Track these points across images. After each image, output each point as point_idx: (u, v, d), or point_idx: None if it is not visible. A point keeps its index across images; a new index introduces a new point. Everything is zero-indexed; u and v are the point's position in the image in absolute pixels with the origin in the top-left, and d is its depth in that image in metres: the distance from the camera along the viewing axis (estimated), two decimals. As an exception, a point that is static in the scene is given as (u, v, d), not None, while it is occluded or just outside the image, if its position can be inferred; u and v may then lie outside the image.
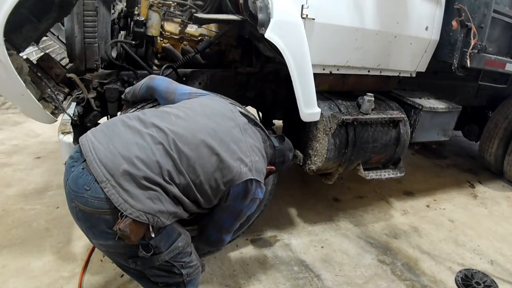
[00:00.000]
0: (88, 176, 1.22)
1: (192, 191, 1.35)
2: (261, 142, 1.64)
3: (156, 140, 1.28)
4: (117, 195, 1.17)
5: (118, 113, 2.04)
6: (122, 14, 2.22)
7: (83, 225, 1.28)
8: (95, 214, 1.22)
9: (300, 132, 2.54)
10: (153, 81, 1.75)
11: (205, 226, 1.63)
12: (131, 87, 1.88)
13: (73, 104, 1.97)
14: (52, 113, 1.84)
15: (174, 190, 1.29)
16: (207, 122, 1.44)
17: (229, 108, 1.59)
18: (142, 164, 1.22)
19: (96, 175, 1.19)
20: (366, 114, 2.46)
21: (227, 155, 1.39)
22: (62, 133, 1.69)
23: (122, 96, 1.93)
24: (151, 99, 1.81)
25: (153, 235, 1.28)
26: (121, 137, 1.28)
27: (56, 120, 1.86)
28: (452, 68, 2.58)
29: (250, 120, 1.75)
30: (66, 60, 2.30)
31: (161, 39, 2.20)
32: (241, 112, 1.67)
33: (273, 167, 1.75)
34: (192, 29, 2.25)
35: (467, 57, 2.46)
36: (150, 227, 1.26)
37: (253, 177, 1.44)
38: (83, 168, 1.25)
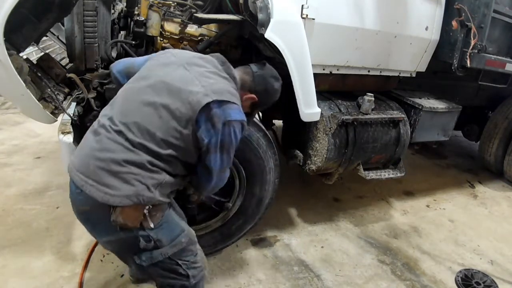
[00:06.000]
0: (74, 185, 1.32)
1: (160, 151, 1.30)
2: (218, 65, 1.48)
3: (107, 129, 1.31)
4: (97, 192, 1.23)
5: None
6: (122, 14, 2.22)
7: (88, 227, 1.36)
8: (94, 212, 1.28)
9: (300, 132, 2.54)
10: (113, 65, 1.68)
11: (199, 173, 1.49)
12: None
13: (73, 104, 1.97)
14: (52, 113, 1.84)
15: (145, 157, 1.27)
16: (143, 84, 1.38)
17: (168, 55, 1.48)
18: (104, 152, 1.26)
19: (76, 183, 1.28)
20: (366, 114, 2.46)
21: (171, 100, 1.31)
22: (62, 133, 1.69)
23: None
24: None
25: (151, 225, 1.30)
26: (88, 144, 1.34)
27: (56, 120, 1.86)
28: (452, 68, 2.58)
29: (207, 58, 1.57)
30: (66, 60, 2.30)
31: (161, 39, 2.20)
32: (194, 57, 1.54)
33: (253, 95, 1.56)
34: (192, 29, 2.25)
35: (467, 57, 2.46)
36: (147, 216, 1.29)
37: (211, 99, 1.30)
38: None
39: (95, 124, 1.39)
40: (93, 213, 1.29)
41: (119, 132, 1.28)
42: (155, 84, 1.35)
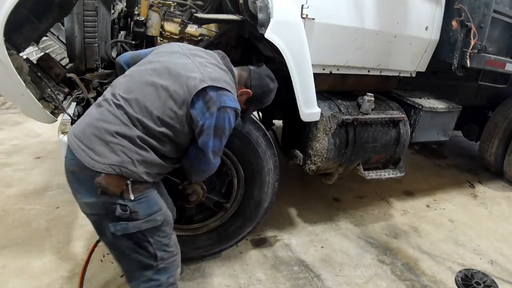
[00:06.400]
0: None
1: (155, 128, 1.37)
2: (219, 59, 1.60)
3: (109, 102, 1.40)
4: (85, 156, 1.32)
5: None
6: (122, 14, 2.22)
7: (74, 185, 1.42)
8: (82, 173, 1.35)
9: (300, 132, 2.54)
10: (119, 58, 1.76)
11: (191, 156, 1.55)
12: None
13: (73, 104, 1.97)
14: (52, 113, 1.84)
15: (136, 132, 1.35)
16: (148, 67, 1.47)
17: (176, 46, 1.60)
18: (102, 122, 1.35)
19: (71, 147, 1.37)
20: (366, 114, 2.46)
21: (170, 82, 1.40)
22: (62, 133, 1.69)
23: None
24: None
25: (131, 197, 1.36)
26: (89, 114, 1.43)
27: (56, 120, 1.87)
28: (452, 68, 2.58)
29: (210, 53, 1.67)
30: (66, 60, 2.30)
31: (161, 39, 2.20)
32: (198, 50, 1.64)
33: (249, 90, 1.64)
34: (192, 29, 2.25)
35: (467, 57, 2.47)
36: (129, 187, 1.36)
37: (207, 84, 1.39)
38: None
39: (100, 98, 1.48)
40: (80, 173, 1.36)
41: (120, 106, 1.37)
42: (158, 68, 1.45)
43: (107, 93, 1.46)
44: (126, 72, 1.54)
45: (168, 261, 1.52)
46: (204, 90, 1.38)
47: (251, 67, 1.71)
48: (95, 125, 1.35)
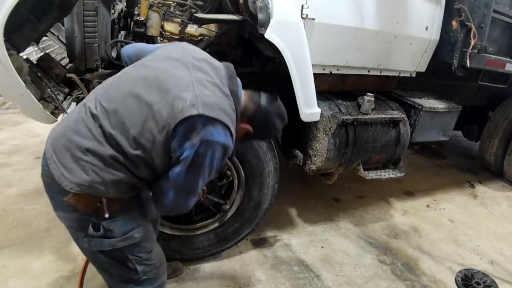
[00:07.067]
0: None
1: (129, 150, 1.21)
2: (224, 78, 1.34)
3: (87, 110, 1.27)
4: (56, 170, 1.23)
5: None
6: (122, 14, 2.22)
7: (48, 196, 1.35)
8: (54, 185, 1.26)
9: (300, 132, 2.54)
10: (124, 49, 1.63)
11: (160, 184, 1.32)
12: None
13: (73, 104, 1.98)
14: (52, 113, 1.84)
15: (109, 151, 1.21)
16: (139, 72, 1.29)
17: (180, 50, 1.36)
18: (74, 134, 1.24)
19: (45, 155, 1.28)
20: (366, 114, 2.46)
21: (156, 98, 1.19)
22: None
23: None
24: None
25: (106, 215, 1.26)
26: (68, 119, 1.32)
27: (56, 120, 1.87)
28: (452, 68, 2.58)
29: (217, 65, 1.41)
30: (66, 60, 2.30)
31: (161, 39, 2.20)
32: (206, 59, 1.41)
33: (250, 127, 1.43)
34: (192, 29, 2.25)
35: (467, 57, 2.46)
36: (104, 205, 1.25)
37: (197, 113, 1.15)
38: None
39: (86, 97, 1.36)
40: (53, 186, 1.28)
41: (96, 117, 1.23)
42: (149, 76, 1.26)
43: (91, 94, 1.33)
44: (119, 73, 1.38)
45: (150, 273, 1.45)
46: (190, 118, 1.15)
47: (262, 99, 1.44)
48: (68, 136, 1.24)
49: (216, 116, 1.18)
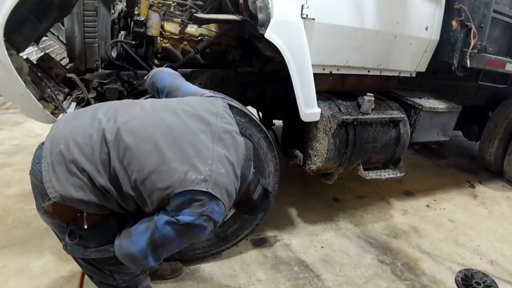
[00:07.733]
0: (41, 151, 1.27)
1: (126, 188, 1.20)
2: (242, 160, 1.35)
3: (101, 127, 1.22)
4: (46, 173, 1.19)
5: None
6: (122, 14, 2.22)
7: (33, 195, 1.31)
8: (38, 186, 1.25)
9: (300, 132, 2.54)
10: (158, 75, 1.65)
11: (137, 228, 1.25)
12: (147, 76, 1.75)
13: (73, 104, 1.98)
14: (52, 113, 1.84)
15: (103, 181, 1.19)
16: (168, 118, 1.26)
17: (215, 111, 1.36)
18: (76, 147, 1.19)
19: (43, 152, 1.24)
20: (366, 114, 2.47)
21: (174, 157, 1.19)
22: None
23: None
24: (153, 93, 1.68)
25: (85, 226, 1.24)
26: (76, 121, 1.28)
27: (56, 120, 1.86)
28: (452, 68, 2.58)
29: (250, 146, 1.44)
30: (66, 60, 2.30)
31: (161, 39, 2.20)
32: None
33: (234, 208, 1.50)
34: (192, 29, 2.25)
35: (467, 57, 2.47)
36: (84, 217, 1.23)
37: (206, 189, 1.16)
38: (43, 143, 1.30)
39: (101, 108, 1.31)
40: (38, 187, 1.25)
41: (107, 142, 1.19)
42: (175, 128, 1.25)
43: (111, 110, 1.27)
44: (148, 101, 1.33)
45: (130, 281, 1.45)
46: (197, 191, 1.16)
47: (256, 194, 1.46)
48: (69, 147, 1.19)
49: (221, 197, 1.21)
